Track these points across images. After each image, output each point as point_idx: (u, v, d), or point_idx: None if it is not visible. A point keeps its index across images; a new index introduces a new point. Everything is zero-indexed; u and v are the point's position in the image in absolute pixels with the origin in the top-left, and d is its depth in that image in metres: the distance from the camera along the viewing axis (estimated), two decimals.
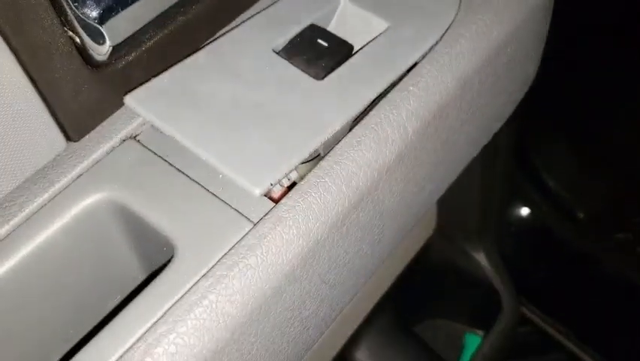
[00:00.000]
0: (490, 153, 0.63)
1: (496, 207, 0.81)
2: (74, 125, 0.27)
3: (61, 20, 0.24)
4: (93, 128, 0.28)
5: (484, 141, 0.41)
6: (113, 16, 0.26)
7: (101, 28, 0.26)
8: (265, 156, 0.26)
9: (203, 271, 0.24)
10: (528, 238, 0.94)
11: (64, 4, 0.25)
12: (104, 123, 0.28)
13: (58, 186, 0.27)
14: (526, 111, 0.76)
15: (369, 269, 0.34)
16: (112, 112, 0.28)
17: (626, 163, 0.99)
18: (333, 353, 0.61)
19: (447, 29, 0.32)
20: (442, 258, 0.80)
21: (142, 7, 0.27)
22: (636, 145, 0.96)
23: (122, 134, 0.28)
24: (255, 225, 0.26)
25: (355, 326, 0.63)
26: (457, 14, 0.32)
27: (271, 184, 0.25)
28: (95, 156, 0.27)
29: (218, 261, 0.24)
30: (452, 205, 0.68)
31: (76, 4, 0.25)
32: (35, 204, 0.26)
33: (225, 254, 0.25)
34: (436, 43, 0.31)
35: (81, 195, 0.27)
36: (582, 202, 1.01)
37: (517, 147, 0.85)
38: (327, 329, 0.33)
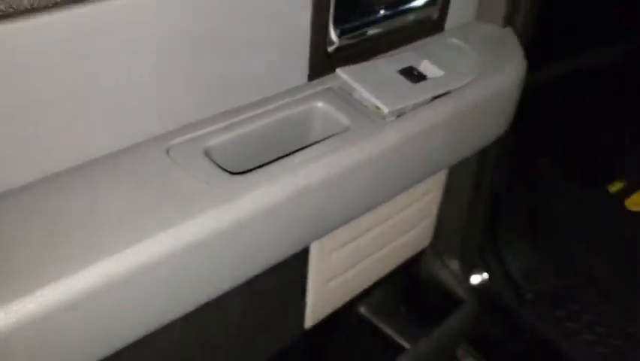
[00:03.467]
0: (479, 174, 0.99)
1: (479, 230, 1.07)
2: (314, 72, 0.66)
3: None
4: (318, 77, 0.67)
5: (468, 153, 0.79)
6: (342, 35, 0.66)
7: (337, 38, 0.66)
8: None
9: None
10: (484, 297, 1.15)
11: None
12: (323, 78, 0.67)
13: (302, 95, 0.65)
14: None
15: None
16: (326, 75, 0.67)
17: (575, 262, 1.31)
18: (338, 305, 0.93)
19: (469, 81, 0.71)
20: (427, 271, 1.12)
21: (352, 37, 0.67)
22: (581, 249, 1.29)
23: (329, 85, 0.67)
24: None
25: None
26: (476, 76, 0.72)
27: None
28: (318, 89, 0.66)
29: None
30: (444, 222, 1.04)
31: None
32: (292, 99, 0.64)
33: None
34: (461, 86, 0.71)
35: (311, 102, 0.65)
36: (532, 286, 1.31)
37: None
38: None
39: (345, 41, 0.67)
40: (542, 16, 1.03)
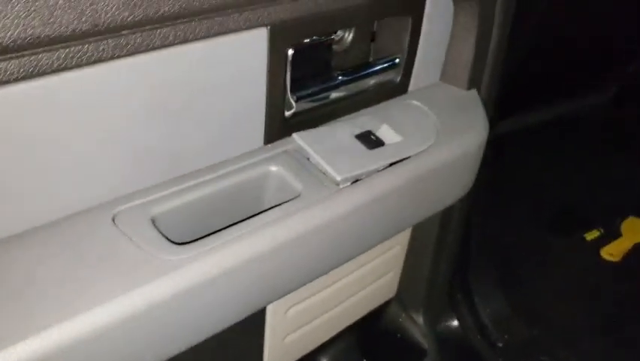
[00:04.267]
0: (444, 232, 0.99)
1: (442, 286, 1.07)
2: (270, 136, 0.66)
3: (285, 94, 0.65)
4: (274, 141, 0.67)
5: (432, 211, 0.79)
6: (298, 100, 0.67)
7: (294, 103, 0.66)
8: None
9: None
10: (452, 341, 1.15)
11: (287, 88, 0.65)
12: (279, 141, 0.67)
13: (256, 159, 0.65)
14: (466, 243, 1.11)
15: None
16: (283, 138, 0.68)
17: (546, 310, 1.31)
18: None
19: (428, 147, 0.72)
20: (391, 322, 1.12)
21: (309, 102, 0.68)
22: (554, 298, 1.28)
23: (285, 148, 0.67)
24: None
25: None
26: (435, 141, 0.73)
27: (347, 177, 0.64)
28: (273, 153, 0.66)
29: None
30: (409, 276, 1.04)
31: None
32: (247, 163, 0.64)
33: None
34: (419, 152, 0.71)
35: (265, 166, 0.65)
36: (502, 334, 1.31)
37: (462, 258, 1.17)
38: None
39: (303, 105, 0.67)
40: (518, 65, 1.04)
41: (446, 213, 0.94)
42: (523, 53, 1.18)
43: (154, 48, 0.51)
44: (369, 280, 0.97)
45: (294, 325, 0.86)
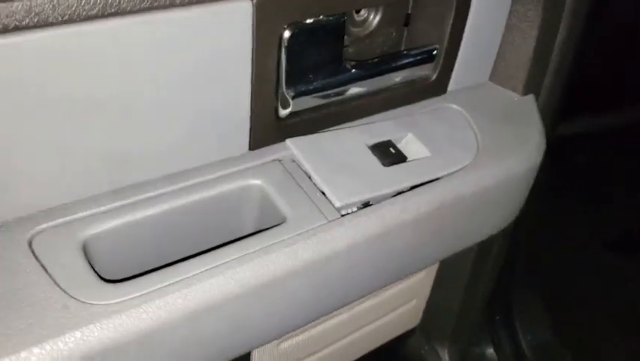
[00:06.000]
0: (479, 262, 0.83)
1: (473, 318, 0.94)
2: (257, 141, 0.51)
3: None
4: (263, 147, 0.52)
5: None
6: (297, 97, 0.52)
7: (290, 100, 0.51)
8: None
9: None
10: None
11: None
12: (269, 148, 0.53)
13: (236, 169, 0.51)
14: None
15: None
16: (274, 143, 0.53)
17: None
18: None
19: (462, 168, 0.56)
20: (414, 353, 0.98)
21: (311, 100, 0.53)
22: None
23: (275, 156, 0.52)
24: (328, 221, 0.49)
25: None
26: (473, 160, 0.57)
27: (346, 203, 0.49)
28: (258, 162, 0.52)
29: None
30: (435, 306, 0.88)
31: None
32: (224, 172, 0.50)
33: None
34: (452, 172, 0.55)
35: (246, 179, 0.50)
36: None
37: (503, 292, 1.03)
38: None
39: (303, 104, 0.52)
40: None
41: (483, 246, 0.78)
42: (596, 51, 1.00)
43: (89, 17, 0.37)
44: (389, 307, 0.82)
45: (289, 358, 0.72)
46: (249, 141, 0.51)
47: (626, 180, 1.48)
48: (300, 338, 0.71)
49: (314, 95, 0.52)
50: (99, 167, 0.44)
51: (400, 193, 0.52)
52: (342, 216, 0.49)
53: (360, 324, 0.77)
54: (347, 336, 0.78)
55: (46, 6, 0.34)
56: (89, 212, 0.45)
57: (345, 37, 0.54)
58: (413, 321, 0.90)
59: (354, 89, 0.55)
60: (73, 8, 0.35)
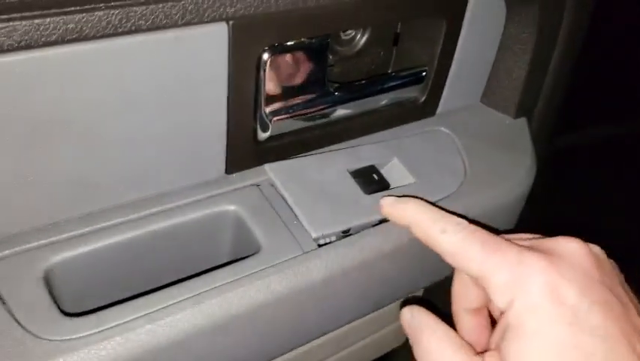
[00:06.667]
0: None
1: None
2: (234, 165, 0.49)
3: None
4: (240, 171, 0.50)
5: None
6: (277, 120, 0.50)
7: (270, 124, 0.49)
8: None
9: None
10: None
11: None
12: (246, 172, 0.51)
13: (211, 194, 0.49)
14: None
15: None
16: (252, 167, 0.51)
17: None
18: None
19: (447, 195, 0.54)
20: None
21: (293, 122, 0.51)
22: None
23: (252, 181, 0.50)
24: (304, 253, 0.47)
25: None
26: (459, 187, 0.55)
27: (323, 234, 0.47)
28: (235, 187, 0.50)
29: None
30: None
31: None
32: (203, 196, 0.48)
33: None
34: (437, 201, 0.53)
35: (221, 204, 0.49)
36: None
37: None
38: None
39: (283, 127, 0.50)
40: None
41: None
42: (593, 64, 0.98)
43: (48, 44, 0.35)
44: (373, 328, 0.80)
45: None
46: (226, 165, 0.49)
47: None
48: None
49: (295, 117, 0.50)
50: (64, 192, 0.42)
51: (381, 222, 0.50)
52: (320, 246, 0.47)
53: (342, 345, 0.75)
54: (329, 357, 0.76)
55: (1, 32, 0.32)
56: (52, 239, 0.43)
57: (331, 56, 0.52)
58: (398, 340, 0.88)
59: (337, 112, 0.53)
60: (30, 34, 0.33)
